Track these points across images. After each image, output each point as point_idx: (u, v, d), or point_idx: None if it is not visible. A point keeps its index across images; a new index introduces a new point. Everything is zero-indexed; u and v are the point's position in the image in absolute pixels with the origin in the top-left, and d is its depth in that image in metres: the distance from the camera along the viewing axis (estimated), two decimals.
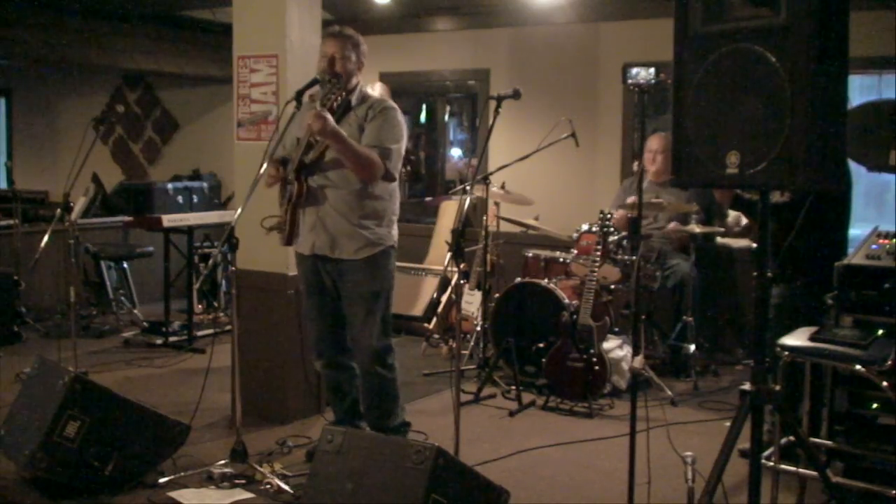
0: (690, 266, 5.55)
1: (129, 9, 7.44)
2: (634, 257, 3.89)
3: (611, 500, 3.69)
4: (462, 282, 5.51)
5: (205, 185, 8.65)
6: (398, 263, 4.23)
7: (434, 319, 6.38)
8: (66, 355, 4.85)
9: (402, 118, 3.90)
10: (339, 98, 3.74)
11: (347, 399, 4.11)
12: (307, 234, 3.91)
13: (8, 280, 6.35)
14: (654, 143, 5.72)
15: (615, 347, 5.19)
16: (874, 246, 3.64)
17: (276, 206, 4.39)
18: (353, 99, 3.87)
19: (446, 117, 8.60)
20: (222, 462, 3.86)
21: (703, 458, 3.08)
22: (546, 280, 5.46)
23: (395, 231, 3.98)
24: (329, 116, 3.62)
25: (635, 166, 5.75)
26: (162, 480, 3.74)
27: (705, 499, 2.50)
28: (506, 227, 6.08)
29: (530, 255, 5.99)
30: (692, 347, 5.45)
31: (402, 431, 4.05)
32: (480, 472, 3.18)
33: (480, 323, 5.71)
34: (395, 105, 3.90)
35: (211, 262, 3.98)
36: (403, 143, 3.89)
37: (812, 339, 3.41)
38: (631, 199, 5.36)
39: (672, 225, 5.57)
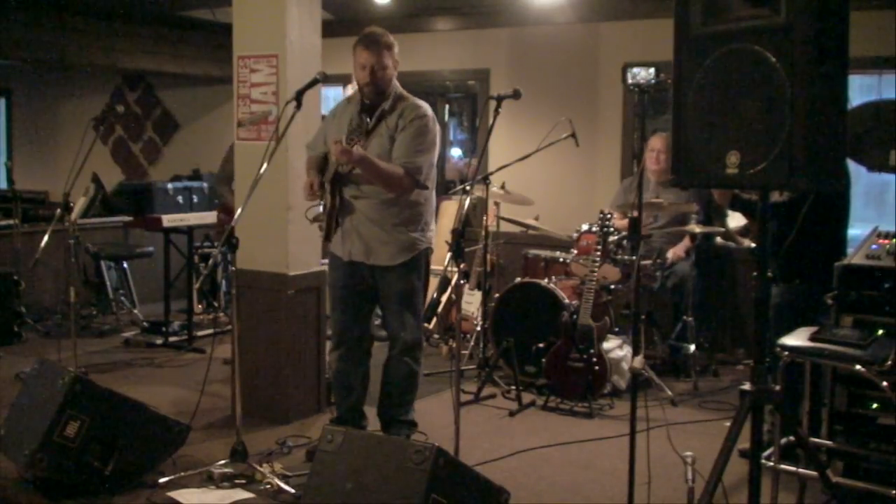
0: (690, 266, 5.55)
1: (129, 9, 7.43)
2: (634, 257, 3.88)
3: (611, 500, 3.70)
4: (462, 282, 5.51)
5: (205, 185, 8.63)
6: None
7: (434, 319, 6.38)
8: (66, 355, 4.85)
9: (432, 124, 3.91)
10: (360, 143, 3.78)
11: (353, 396, 4.14)
12: (343, 241, 3.99)
13: (8, 280, 6.35)
14: (657, 142, 5.71)
15: (615, 347, 5.19)
16: (874, 246, 3.63)
17: (276, 207, 4.41)
18: (387, 105, 3.89)
19: (446, 117, 8.60)
20: (222, 462, 3.86)
21: (703, 458, 3.08)
22: (546, 280, 5.46)
23: (430, 233, 4.05)
24: (355, 150, 3.68)
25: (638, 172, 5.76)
26: (162, 480, 3.74)
27: (705, 499, 2.50)
28: (506, 227, 6.08)
29: (530, 255, 5.99)
30: (692, 347, 5.46)
31: (407, 428, 4.13)
32: (480, 472, 3.17)
33: (480, 323, 5.71)
34: (426, 112, 3.90)
35: (211, 262, 3.97)
36: (435, 151, 3.93)
37: (812, 339, 3.40)
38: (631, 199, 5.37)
39: (676, 251, 5.59)
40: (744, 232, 5.80)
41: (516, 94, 4.90)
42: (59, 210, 5.42)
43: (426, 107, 3.93)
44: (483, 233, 5.60)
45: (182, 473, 3.81)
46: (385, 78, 3.86)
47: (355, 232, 3.94)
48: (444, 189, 8.03)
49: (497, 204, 5.97)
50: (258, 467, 3.82)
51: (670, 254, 5.58)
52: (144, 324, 6.74)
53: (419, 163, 3.82)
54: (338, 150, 3.69)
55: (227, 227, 3.70)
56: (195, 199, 8.41)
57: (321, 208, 4.03)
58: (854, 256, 3.65)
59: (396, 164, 3.80)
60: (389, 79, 3.89)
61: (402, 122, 3.84)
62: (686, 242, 5.60)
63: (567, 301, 5.18)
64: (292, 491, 3.64)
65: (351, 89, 4.15)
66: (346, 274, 4.05)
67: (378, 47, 3.85)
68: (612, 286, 5.34)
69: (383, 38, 3.89)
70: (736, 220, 5.71)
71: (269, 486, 3.69)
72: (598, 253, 5.11)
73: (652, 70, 3.36)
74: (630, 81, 3.39)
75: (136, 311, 7.19)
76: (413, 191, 3.88)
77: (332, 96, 8.09)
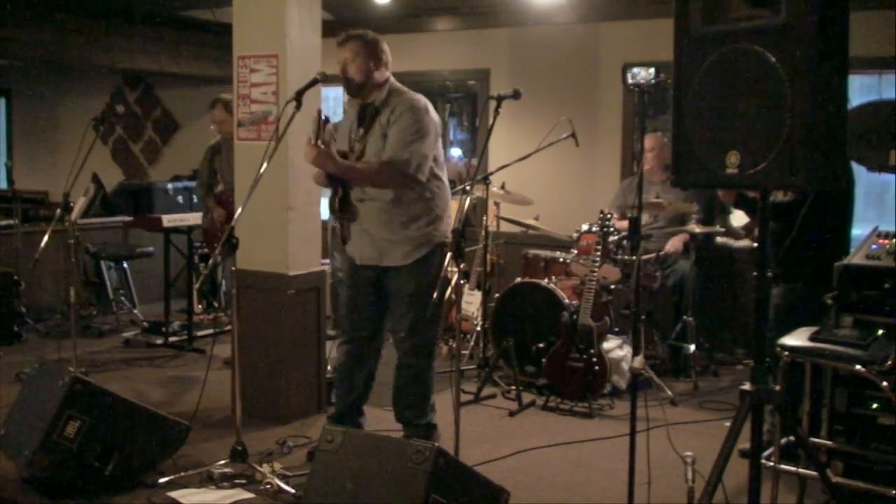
0: (690, 266, 5.55)
1: (129, 9, 7.44)
2: (634, 257, 3.88)
3: (611, 500, 3.69)
4: (462, 282, 5.51)
5: None
6: None
7: None
8: (66, 355, 4.85)
9: (424, 115, 3.82)
10: (319, 137, 3.75)
11: (353, 394, 4.14)
12: (355, 243, 3.97)
13: (8, 280, 6.35)
14: (648, 141, 5.75)
15: (615, 347, 5.19)
16: (874, 246, 3.63)
17: (276, 207, 4.39)
18: (379, 100, 3.85)
19: (446, 117, 8.60)
20: (222, 462, 3.86)
21: (703, 458, 3.08)
22: (546, 280, 5.46)
23: (444, 226, 3.95)
24: (329, 159, 3.69)
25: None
26: (162, 480, 3.74)
27: (705, 499, 2.50)
28: (506, 227, 6.08)
29: (530, 255, 5.99)
30: (692, 347, 5.45)
31: (424, 431, 4.05)
32: (480, 472, 3.17)
33: (480, 323, 5.71)
34: (417, 104, 3.82)
35: (211, 262, 3.97)
36: (427, 141, 3.80)
37: (812, 339, 3.40)
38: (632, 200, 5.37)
39: (674, 242, 5.59)
40: (749, 229, 5.80)
41: (516, 94, 4.89)
42: (59, 210, 5.42)
43: (419, 98, 3.86)
44: (483, 233, 5.60)
45: (182, 473, 3.81)
46: (358, 69, 3.80)
47: (366, 234, 3.90)
48: None
49: (497, 204, 5.97)
50: (258, 467, 3.81)
51: (668, 246, 5.58)
52: (144, 324, 6.74)
53: (405, 156, 3.73)
54: (312, 155, 3.71)
55: (216, 230, 3.68)
56: (195, 199, 8.41)
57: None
58: (854, 256, 3.65)
59: (385, 159, 3.76)
60: (365, 71, 3.81)
61: (393, 117, 3.78)
62: (684, 235, 5.59)
63: (567, 301, 5.18)
64: (292, 491, 3.63)
65: None
66: (358, 273, 4.02)
67: (347, 42, 3.84)
68: (612, 286, 5.34)
69: (354, 34, 3.87)
70: (738, 218, 5.71)
71: (269, 486, 3.69)
72: (598, 253, 5.11)
73: (652, 70, 3.36)
74: (630, 81, 3.39)
75: (136, 311, 7.19)
76: (408, 184, 3.80)
77: (332, 96, 8.10)
